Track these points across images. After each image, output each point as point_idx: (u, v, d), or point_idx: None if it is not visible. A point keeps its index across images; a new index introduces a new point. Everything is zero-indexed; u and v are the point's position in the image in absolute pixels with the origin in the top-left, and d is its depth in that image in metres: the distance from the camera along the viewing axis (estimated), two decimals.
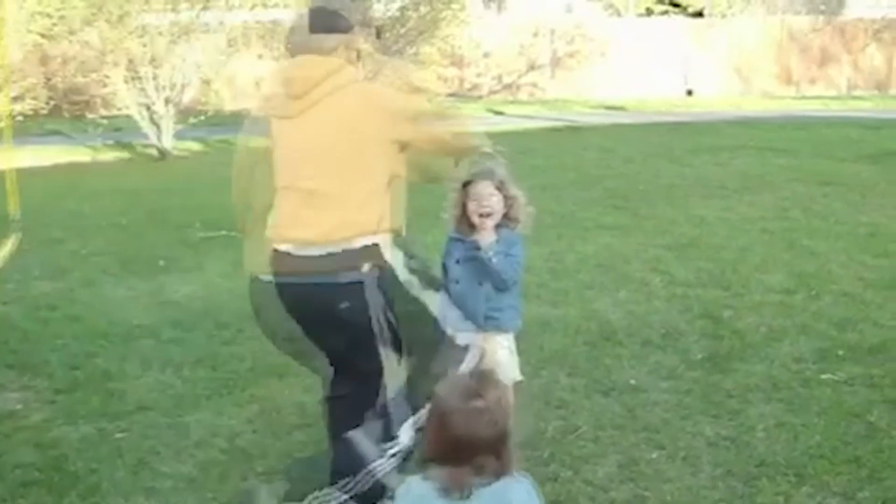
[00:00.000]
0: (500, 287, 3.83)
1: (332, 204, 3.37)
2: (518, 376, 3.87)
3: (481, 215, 3.79)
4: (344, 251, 3.36)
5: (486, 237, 3.80)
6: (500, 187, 3.81)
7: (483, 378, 2.52)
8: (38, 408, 4.78)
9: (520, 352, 3.96)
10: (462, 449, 2.39)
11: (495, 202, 3.79)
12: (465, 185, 3.84)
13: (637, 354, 5.34)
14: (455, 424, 2.39)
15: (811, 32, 30.43)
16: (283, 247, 3.44)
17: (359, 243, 3.37)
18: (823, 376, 4.93)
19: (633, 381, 4.93)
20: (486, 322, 3.83)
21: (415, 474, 2.51)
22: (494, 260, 3.77)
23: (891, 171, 12.58)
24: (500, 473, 2.42)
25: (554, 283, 6.80)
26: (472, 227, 3.82)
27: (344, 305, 3.36)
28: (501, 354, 3.78)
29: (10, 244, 7.59)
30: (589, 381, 4.94)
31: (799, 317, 5.95)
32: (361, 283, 3.38)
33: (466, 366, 3.64)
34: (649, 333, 5.66)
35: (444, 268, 3.95)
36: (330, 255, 3.36)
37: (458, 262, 3.88)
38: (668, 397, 4.71)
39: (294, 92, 3.42)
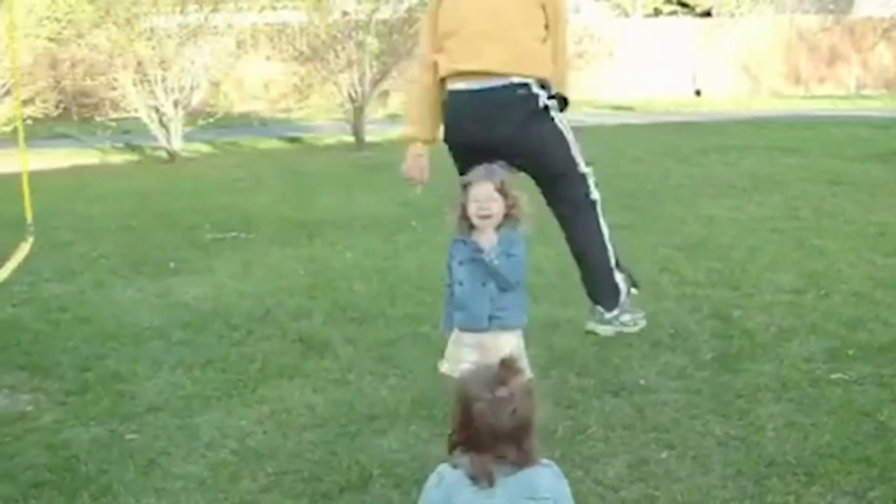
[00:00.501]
0: (505, 287, 3.85)
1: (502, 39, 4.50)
2: (528, 374, 3.88)
3: (481, 217, 3.82)
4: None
5: (487, 239, 3.83)
6: (500, 188, 3.84)
7: (507, 367, 2.52)
8: (49, 409, 4.80)
9: (529, 352, 3.97)
10: (484, 437, 2.41)
11: (495, 204, 3.81)
12: (465, 186, 3.87)
13: (646, 354, 5.34)
14: (478, 413, 2.40)
15: (820, 32, 30.38)
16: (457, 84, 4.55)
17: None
18: (833, 376, 4.92)
19: (642, 381, 4.93)
20: (491, 322, 3.86)
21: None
22: (496, 262, 3.80)
23: None
24: (522, 463, 2.44)
25: (562, 284, 6.78)
26: (473, 228, 3.85)
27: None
28: (509, 353, 3.79)
29: (24, 248, 7.62)
30: (598, 382, 4.94)
31: (809, 316, 5.94)
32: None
33: (473, 365, 3.66)
34: (659, 333, 5.66)
35: (449, 269, 3.97)
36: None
37: (461, 263, 3.90)
38: (678, 397, 4.71)
39: None
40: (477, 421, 2.41)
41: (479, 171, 3.91)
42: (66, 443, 4.36)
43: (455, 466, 2.48)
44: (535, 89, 4.61)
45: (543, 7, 4.65)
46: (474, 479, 2.42)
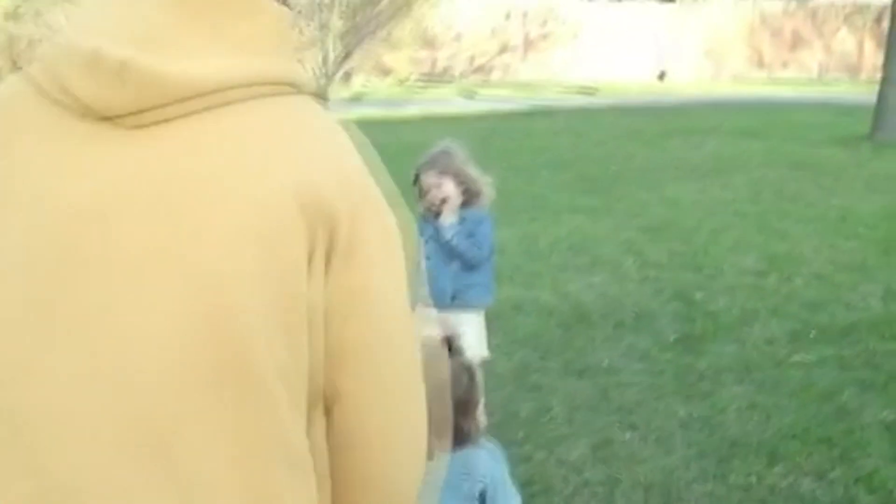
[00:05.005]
0: (469, 265, 3.87)
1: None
2: (486, 353, 3.89)
3: (436, 204, 3.86)
4: None
5: (447, 220, 3.88)
6: (446, 171, 3.88)
7: (447, 346, 2.52)
8: None
9: (493, 334, 3.96)
10: None
11: (445, 188, 3.86)
12: (415, 179, 3.92)
13: (610, 336, 5.35)
14: None
15: (783, 16, 30.56)
16: None
17: None
18: (795, 358, 4.96)
19: (606, 363, 4.94)
20: (453, 300, 3.86)
21: None
22: (454, 241, 3.82)
23: (861, 155, 12.66)
24: (462, 442, 2.44)
25: (527, 266, 6.79)
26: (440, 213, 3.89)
27: None
28: (469, 331, 3.79)
29: None
30: (562, 363, 4.94)
31: (771, 299, 5.97)
32: None
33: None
34: (622, 315, 5.67)
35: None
36: None
37: (426, 240, 3.92)
38: (641, 379, 4.72)
39: None
40: None
41: (423, 158, 3.95)
42: None
43: None
44: None
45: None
46: None
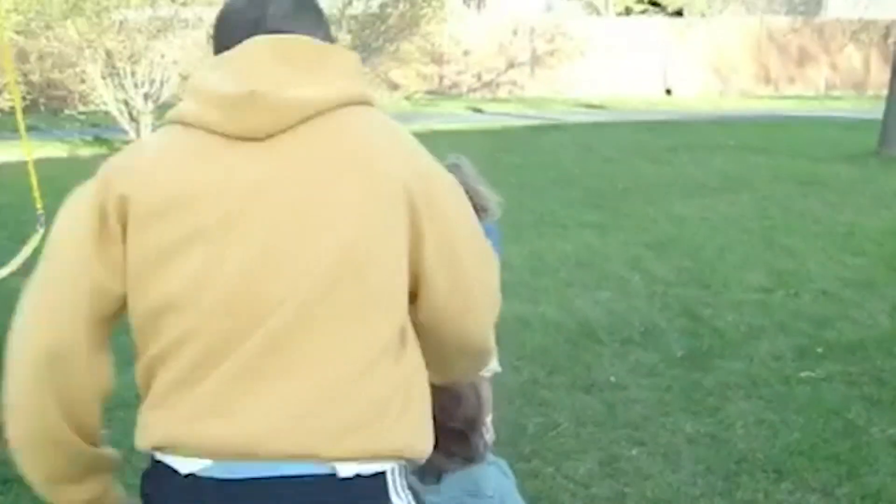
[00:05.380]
0: None
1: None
2: (497, 367, 3.89)
3: None
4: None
5: None
6: None
7: None
8: None
9: (500, 350, 3.96)
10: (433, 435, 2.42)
11: None
12: None
13: (617, 352, 5.36)
14: None
15: (790, 32, 30.59)
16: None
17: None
18: (802, 374, 4.96)
19: (613, 379, 4.95)
20: None
21: None
22: None
23: (868, 171, 12.67)
24: (470, 459, 2.46)
25: (534, 282, 6.80)
26: None
27: None
28: None
29: (34, 240, 7.51)
30: (569, 379, 4.95)
31: (778, 315, 5.98)
32: None
33: None
34: (629, 331, 5.68)
35: None
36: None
37: None
38: (649, 395, 4.73)
39: None
40: None
41: None
42: None
43: None
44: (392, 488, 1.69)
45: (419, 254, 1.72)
46: (420, 474, 2.44)
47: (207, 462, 1.58)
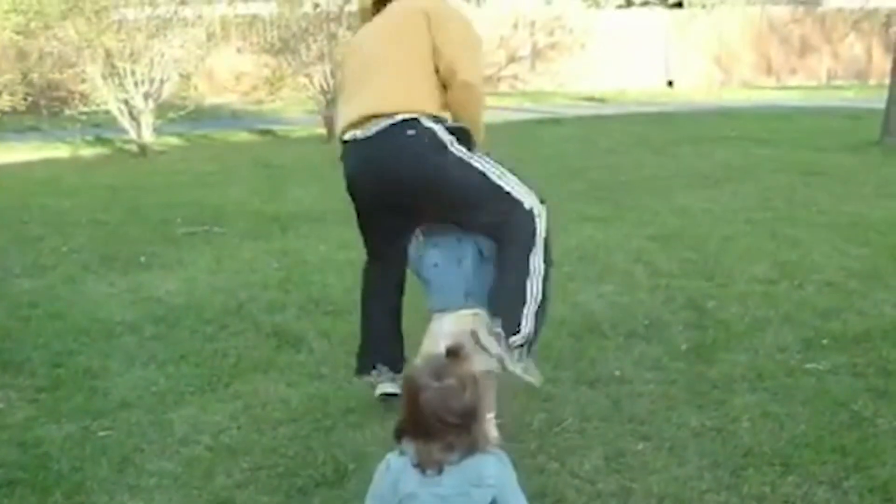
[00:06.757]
0: (480, 258, 4.01)
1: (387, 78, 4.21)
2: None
3: None
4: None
5: None
6: None
7: (454, 356, 2.55)
8: (20, 406, 4.74)
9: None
10: (432, 426, 2.44)
11: None
12: None
13: (621, 346, 5.34)
14: (425, 402, 2.44)
15: (791, 22, 30.53)
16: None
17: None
18: (808, 366, 4.94)
19: (617, 373, 4.93)
20: (467, 298, 3.92)
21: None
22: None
23: (871, 161, 12.65)
24: (470, 450, 2.47)
25: None
26: None
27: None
28: (487, 332, 3.80)
29: None
30: (574, 373, 4.94)
31: (783, 306, 5.96)
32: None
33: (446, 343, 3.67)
34: (633, 325, 5.66)
35: (420, 260, 4.09)
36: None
37: (435, 245, 4.02)
38: (653, 388, 4.71)
39: None
40: (424, 410, 2.44)
41: None
42: (38, 440, 4.30)
43: (402, 454, 2.53)
44: (428, 123, 4.00)
45: (433, 38, 4.14)
46: (420, 466, 2.46)
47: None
